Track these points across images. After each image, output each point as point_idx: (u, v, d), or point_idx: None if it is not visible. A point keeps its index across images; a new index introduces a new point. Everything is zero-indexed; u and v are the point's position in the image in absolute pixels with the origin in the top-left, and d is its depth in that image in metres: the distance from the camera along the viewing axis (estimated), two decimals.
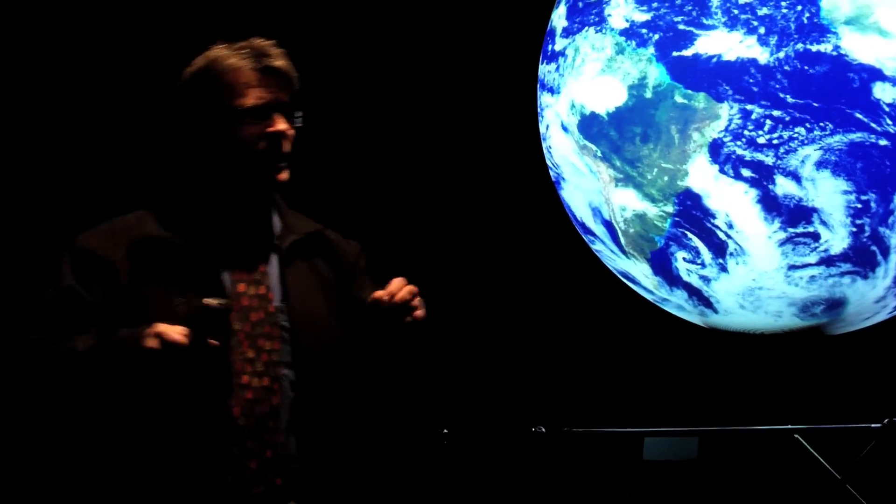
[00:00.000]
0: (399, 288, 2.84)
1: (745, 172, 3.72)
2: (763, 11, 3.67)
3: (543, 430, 4.39)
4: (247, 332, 2.77)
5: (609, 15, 3.93)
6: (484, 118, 5.12)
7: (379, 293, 2.82)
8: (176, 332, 2.56)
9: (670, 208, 3.87)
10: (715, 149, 3.73)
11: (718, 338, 4.33)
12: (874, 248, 3.80)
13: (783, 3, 3.67)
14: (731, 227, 3.81)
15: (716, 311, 4.08)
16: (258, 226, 2.90)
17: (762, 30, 3.66)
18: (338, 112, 4.94)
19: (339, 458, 2.89)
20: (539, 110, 4.28)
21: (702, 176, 3.78)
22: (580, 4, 4.07)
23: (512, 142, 4.98)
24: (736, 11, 3.70)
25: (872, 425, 4.13)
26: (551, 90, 4.15)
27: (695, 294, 4.05)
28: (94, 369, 2.62)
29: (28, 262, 4.51)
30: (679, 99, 3.76)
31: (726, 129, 3.71)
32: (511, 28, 5.06)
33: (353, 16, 5.07)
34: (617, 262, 4.23)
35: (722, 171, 3.74)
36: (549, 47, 4.19)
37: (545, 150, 4.29)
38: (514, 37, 4.97)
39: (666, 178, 3.83)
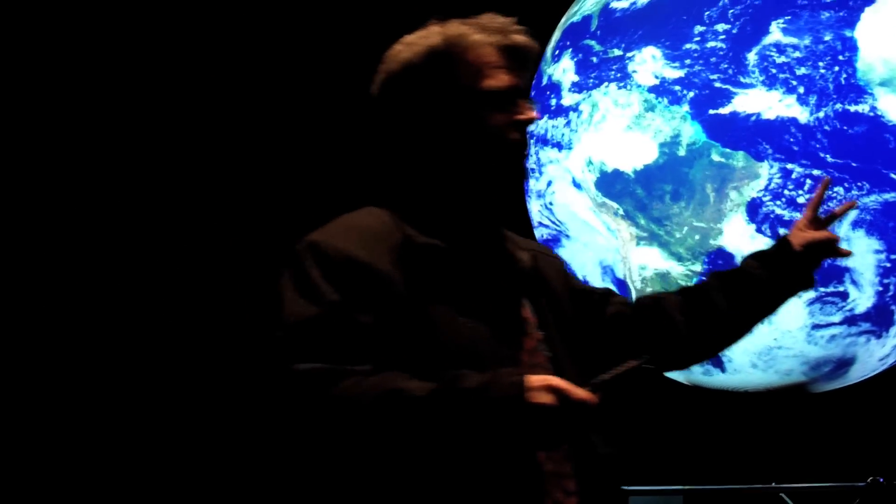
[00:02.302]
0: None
1: (783, 232, 3.69)
2: (801, 71, 3.68)
3: None
4: (524, 362, 2.30)
5: (634, 71, 3.85)
6: None
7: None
8: (581, 390, 2.07)
9: (698, 267, 3.82)
10: (753, 208, 3.70)
11: (703, 396, 4.30)
12: (894, 307, 3.84)
13: (820, 64, 3.68)
14: None
15: (723, 371, 4.04)
16: (497, 232, 2.43)
17: (801, 89, 3.67)
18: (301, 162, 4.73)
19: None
20: (537, 165, 4.16)
21: (737, 235, 3.74)
22: (594, 59, 3.98)
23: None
24: (774, 70, 3.69)
25: (857, 484, 4.17)
26: (559, 145, 4.04)
27: None
28: (438, 420, 2.08)
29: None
30: (716, 157, 3.72)
31: (766, 189, 3.68)
32: None
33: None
34: None
35: (759, 230, 3.71)
36: (553, 101, 4.08)
37: (542, 207, 4.17)
38: None
39: (697, 237, 3.78)
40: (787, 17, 3.72)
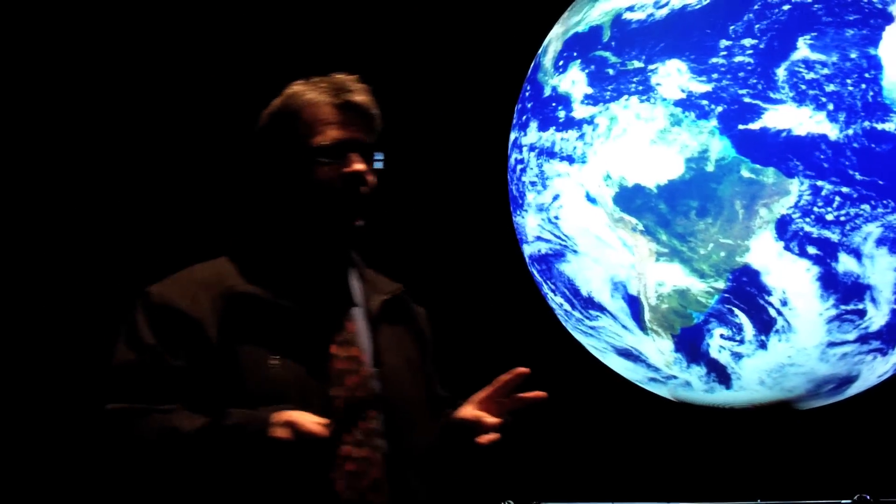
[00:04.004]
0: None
1: (811, 250, 3.69)
2: (830, 88, 3.67)
3: (512, 503, 4.26)
4: (344, 398, 2.48)
5: (658, 84, 3.78)
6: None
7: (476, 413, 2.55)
8: (313, 423, 2.29)
9: (721, 284, 3.77)
10: (782, 225, 3.67)
11: (688, 412, 4.26)
12: None
13: (848, 81, 3.68)
14: (784, 304, 3.76)
15: (728, 388, 4.01)
16: (339, 280, 2.60)
17: (831, 106, 3.66)
18: None
19: None
20: (540, 178, 4.05)
21: (765, 252, 3.71)
22: (610, 71, 3.89)
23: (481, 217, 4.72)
24: (804, 87, 3.67)
25: (843, 501, 4.19)
26: (570, 159, 3.94)
27: (715, 370, 3.96)
28: (202, 454, 2.33)
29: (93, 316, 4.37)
30: (746, 173, 3.67)
31: (795, 206, 3.66)
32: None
33: None
34: (624, 338, 4.06)
35: (787, 247, 3.69)
36: (562, 113, 3.97)
37: (543, 221, 4.06)
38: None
39: (722, 254, 3.73)
40: (813, 34, 3.70)
